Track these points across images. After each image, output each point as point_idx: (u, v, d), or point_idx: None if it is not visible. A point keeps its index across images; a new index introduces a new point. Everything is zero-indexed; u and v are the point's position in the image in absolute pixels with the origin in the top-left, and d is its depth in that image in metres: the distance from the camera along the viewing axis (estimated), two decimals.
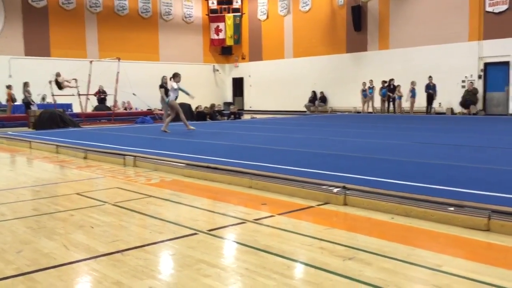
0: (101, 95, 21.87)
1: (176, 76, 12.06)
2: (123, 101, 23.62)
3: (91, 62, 19.70)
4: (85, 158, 8.74)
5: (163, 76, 17.43)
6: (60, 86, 18.12)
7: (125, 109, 23.53)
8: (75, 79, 18.15)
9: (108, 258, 3.34)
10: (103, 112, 20.65)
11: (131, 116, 20.00)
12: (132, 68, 23.36)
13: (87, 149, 8.98)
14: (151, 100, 21.28)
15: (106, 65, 20.38)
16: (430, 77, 19.93)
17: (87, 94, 19.47)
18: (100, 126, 16.64)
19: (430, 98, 20.02)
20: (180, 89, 12.08)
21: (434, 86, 19.91)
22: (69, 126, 15.45)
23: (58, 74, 18.18)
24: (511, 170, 5.72)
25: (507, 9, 18.73)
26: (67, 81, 18.16)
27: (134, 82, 22.05)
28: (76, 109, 20.13)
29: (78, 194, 5.64)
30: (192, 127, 12.23)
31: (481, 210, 3.91)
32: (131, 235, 3.92)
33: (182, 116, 12.32)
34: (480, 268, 3.04)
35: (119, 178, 6.66)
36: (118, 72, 18.86)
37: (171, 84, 12.01)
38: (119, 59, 19.16)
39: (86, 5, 24.59)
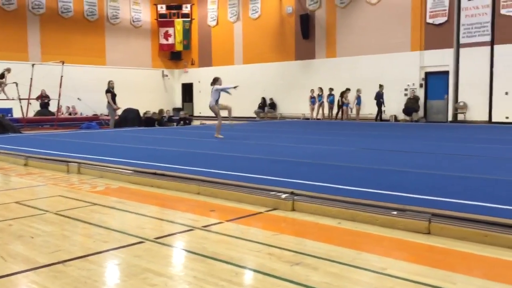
0: (43, 100, 21.06)
1: (216, 81, 11.63)
2: (68, 106, 22.87)
3: (33, 65, 18.96)
4: (25, 165, 8.38)
5: (110, 81, 17.08)
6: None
7: (70, 114, 22.79)
8: (16, 83, 17.44)
9: (48, 269, 3.20)
10: (46, 117, 19.88)
11: (76, 122, 19.38)
12: (77, 72, 22.69)
13: (28, 156, 8.61)
14: (97, 105, 20.73)
15: (49, 69, 19.67)
16: (380, 85, 20.51)
17: (29, 99, 18.71)
18: (42, 132, 16.02)
19: (380, 105, 20.60)
20: (222, 90, 11.60)
21: (382, 94, 20.47)
22: (8, 131, 14.76)
23: (8, 70, 17.57)
24: (450, 175, 5.97)
25: (446, 21, 19.66)
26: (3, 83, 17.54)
27: (80, 87, 21.43)
28: (17, 114, 19.30)
29: (17, 202, 5.38)
30: (221, 136, 11.82)
31: (422, 214, 4.05)
32: (74, 245, 3.78)
33: (219, 121, 11.93)
34: (422, 270, 3.14)
35: (62, 186, 6.42)
36: (62, 76, 18.24)
37: (213, 88, 11.56)
38: (63, 62, 18.54)
39: (28, 6, 23.66)
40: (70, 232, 4.20)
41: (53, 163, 7.95)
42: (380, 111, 20.59)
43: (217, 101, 11.59)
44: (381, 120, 20.65)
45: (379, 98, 20.48)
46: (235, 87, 11.57)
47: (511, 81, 18.14)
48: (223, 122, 12.21)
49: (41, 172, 7.66)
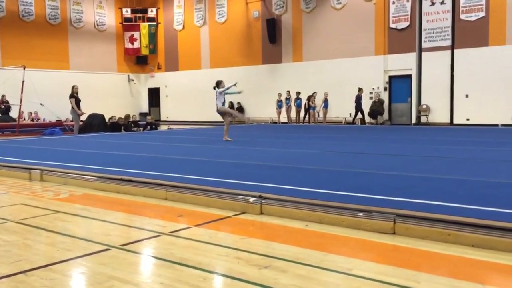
0: (4, 105, 20.44)
1: (218, 84, 11.66)
2: (30, 111, 22.29)
3: None
4: None
5: (74, 86, 16.72)
6: None
7: (32, 120, 22.21)
8: None
9: (9, 280, 3.10)
10: (7, 123, 19.33)
11: (38, 128, 18.90)
12: (40, 77, 22.15)
13: None
14: (61, 110, 20.27)
15: (10, 74, 19.14)
16: (360, 89, 20.70)
17: None
18: (3, 139, 15.53)
19: (359, 108, 20.78)
20: (226, 93, 11.69)
21: (361, 97, 20.66)
22: None
23: None
24: (413, 176, 6.11)
25: (408, 26, 20.16)
26: None
27: (42, 92, 20.91)
28: None
29: None
30: (229, 139, 11.77)
31: (387, 214, 4.12)
32: (37, 254, 3.68)
33: (228, 121, 12.07)
34: (387, 270, 3.20)
35: (23, 194, 6.24)
36: (23, 81, 17.77)
37: (217, 91, 11.57)
38: (24, 67, 18.06)
39: None
40: (32, 241, 4.08)
41: (15, 171, 7.72)
42: (362, 114, 20.67)
43: (223, 103, 11.73)
44: (361, 123, 20.80)
45: (358, 101, 20.63)
46: (235, 84, 11.92)
47: (471, 84, 18.74)
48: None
49: (1, 180, 7.43)
